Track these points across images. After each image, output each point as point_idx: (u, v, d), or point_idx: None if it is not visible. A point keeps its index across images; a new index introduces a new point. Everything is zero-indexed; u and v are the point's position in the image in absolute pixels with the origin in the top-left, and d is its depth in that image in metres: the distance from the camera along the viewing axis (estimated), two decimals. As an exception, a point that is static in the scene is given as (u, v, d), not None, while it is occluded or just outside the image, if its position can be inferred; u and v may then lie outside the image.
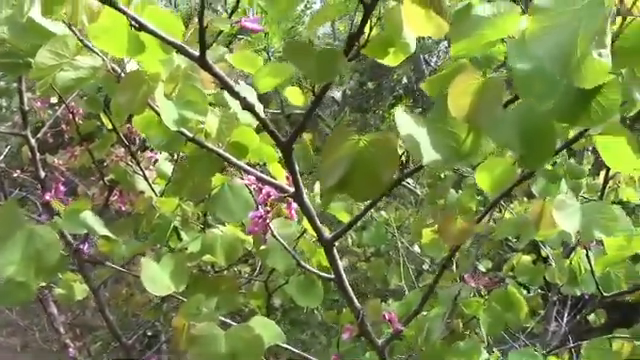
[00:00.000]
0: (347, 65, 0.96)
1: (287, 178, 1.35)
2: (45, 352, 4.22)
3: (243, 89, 1.17)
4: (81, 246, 1.80)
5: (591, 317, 2.85)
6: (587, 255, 1.77)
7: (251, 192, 1.39)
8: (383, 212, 3.05)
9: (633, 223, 1.53)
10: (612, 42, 0.85)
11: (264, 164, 1.48)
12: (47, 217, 2.23)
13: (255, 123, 1.31)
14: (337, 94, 6.44)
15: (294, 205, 1.30)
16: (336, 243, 1.28)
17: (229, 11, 1.16)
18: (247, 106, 1.06)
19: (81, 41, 1.29)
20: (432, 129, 0.89)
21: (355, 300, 1.33)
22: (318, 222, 1.19)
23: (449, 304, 1.85)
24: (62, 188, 2.24)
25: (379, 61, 1.10)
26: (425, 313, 1.93)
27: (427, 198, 2.43)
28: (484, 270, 2.89)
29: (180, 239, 1.95)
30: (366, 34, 1.01)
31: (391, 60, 1.09)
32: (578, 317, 3.23)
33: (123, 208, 2.25)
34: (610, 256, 1.67)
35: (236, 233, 1.77)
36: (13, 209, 1.45)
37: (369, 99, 5.05)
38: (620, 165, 1.25)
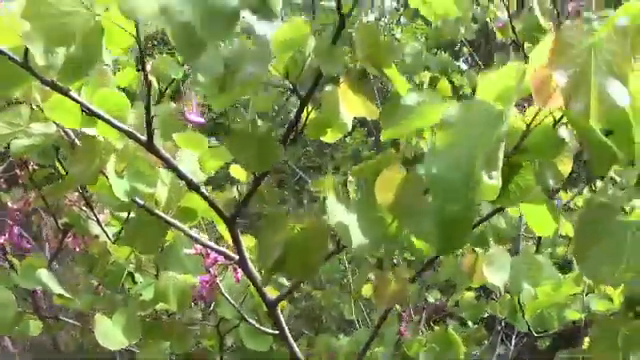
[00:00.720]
0: (284, 152, 1.04)
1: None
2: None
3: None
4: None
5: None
6: (518, 301, 1.88)
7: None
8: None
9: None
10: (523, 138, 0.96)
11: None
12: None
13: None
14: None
15: (239, 270, 1.37)
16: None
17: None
18: (192, 187, 1.14)
19: (38, 107, 1.36)
20: (361, 216, 0.98)
21: (300, 355, 1.40)
22: (261, 286, 1.27)
23: (392, 344, 1.95)
24: (16, 231, 2.27)
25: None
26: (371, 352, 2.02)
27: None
28: (433, 300, 2.99)
29: (135, 282, 2.01)
30: (303, 118, 1.10)
31: (329, 138, 1.18)
32: (524, 340, 3.36)
33: (77, 250, 2.28)
34: (540, 301, 1.78)
35: (188, 279, 1.84)
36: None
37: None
38: (542, 229, 1.36)
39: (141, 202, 1.30)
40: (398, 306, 2.44)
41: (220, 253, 1.32)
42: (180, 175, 1.14)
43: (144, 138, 1.09)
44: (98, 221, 2.10)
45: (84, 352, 3.27)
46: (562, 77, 0.79)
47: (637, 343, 1.25)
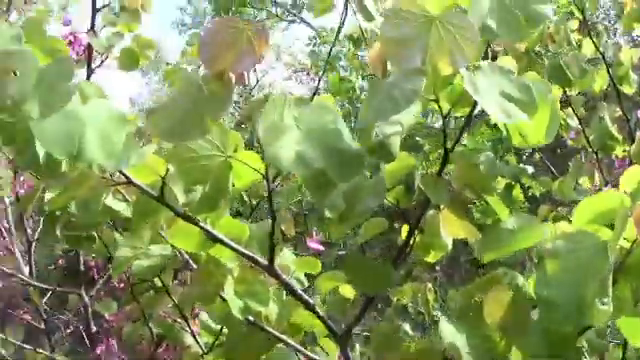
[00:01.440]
0: (397, 275, 1.13)
1: (339, 358, 1.49)
2: None
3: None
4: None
5: None
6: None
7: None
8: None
9: None
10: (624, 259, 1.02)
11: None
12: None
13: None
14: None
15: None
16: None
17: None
18: (309, 307, 1.23)
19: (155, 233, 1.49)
20: (470, 335, 1.04)
21: None
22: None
23: None
24: (113, 343, 2.39)
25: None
26: None
27: None
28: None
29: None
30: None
31: (431, 258, 1.26)
32: None
33: (168, 360, 2.38)
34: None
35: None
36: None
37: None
38: (637, 340, 1.38)
39: (251, 319, 1.39)
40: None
41: (329, 369, 1.39)
42: (297, 296, 1.24)
43: (265, 262, 1.19)
44: (192, 332, 2.20)
45: None
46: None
47: None
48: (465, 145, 4.44)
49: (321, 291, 1.33)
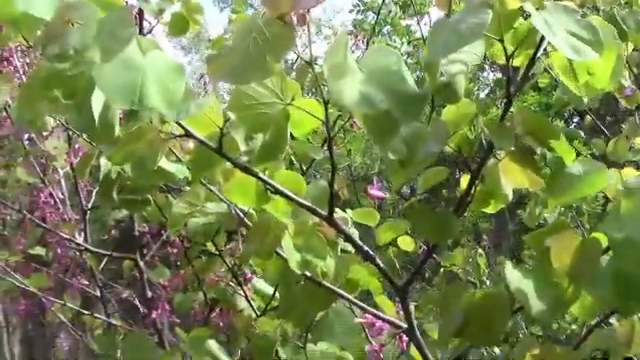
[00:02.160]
0: (458, 224, 1.11)
1: (397, 312, 1.49)
2: None
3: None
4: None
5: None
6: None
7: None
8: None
9: None
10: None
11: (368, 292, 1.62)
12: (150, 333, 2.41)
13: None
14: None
15: (405, 338, 1.42)
16: None
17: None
18: (368, 257, 1.22)
19: (211, 190, 1.49)
20: (537, 281, 1.02)
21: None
22: (427, 352, 1.32)
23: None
24: (167, 307, 2.42)
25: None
26: None
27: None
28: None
29: (279, 358, 2.08)
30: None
31: (491, 209, 1.24)
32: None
33: (221, 324, 2.40)
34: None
35: (336, 352, 1.90)
36: (141, 339, 1.62)
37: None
38: None
39: (309, 274, 1.39)
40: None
41: (389, 322, 1.38)
42: (357, 247, 1.23)
43: (325, 213, 1.18)
44: (246, 295, 2.22)
45: None
46: None
47: None
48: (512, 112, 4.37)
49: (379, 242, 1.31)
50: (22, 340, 7.55)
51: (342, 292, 1.39)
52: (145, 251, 2.67)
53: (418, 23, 3.14)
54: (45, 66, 1.01)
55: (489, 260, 3.81)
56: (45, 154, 2.70)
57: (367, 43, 2.74)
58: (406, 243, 1.40)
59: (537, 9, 0.97)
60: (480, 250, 2.76)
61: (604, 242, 1.03)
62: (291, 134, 1.15)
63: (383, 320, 1.39)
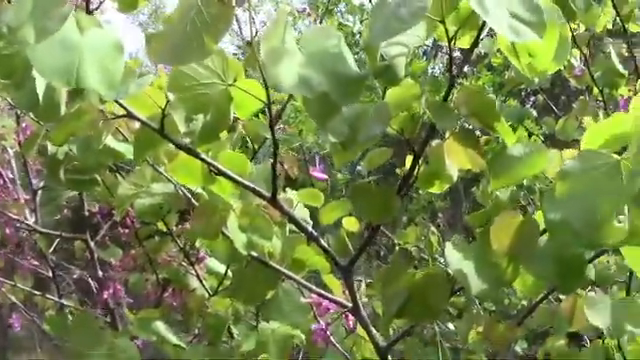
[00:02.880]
0: (400, 203, 1.12)
1: (343, 292, 1.49)
2: None
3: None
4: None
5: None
6: (619, 344, 1.87)
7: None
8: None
9: None
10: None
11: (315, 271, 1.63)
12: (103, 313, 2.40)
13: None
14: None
15: (351, 317, 1.44)
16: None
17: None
18: (312, 238, 1.22)
19: (157, 171, 1.48)
20: (478, 261, 1.04)
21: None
22: (374, 331, 1.33)
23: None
24: (119, 287, 2.40)
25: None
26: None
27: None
28: (520, 350, 2.97)
29: (232, 336, 2.09)
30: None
31: (436, 189, 1.25)
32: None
33: (174, 304, 2.39)
34: (642, 346, 1.77)
35: (287, 330, 1.91)
36: (90, 320, 1.60)
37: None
38: (645, 271, 1.38)
39: (255, 254, 1.39)
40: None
41: (335, 302, 1.39)
42: (301, 227, 1.23)
43: (268, 194, 1.18)
44: (198, 275, 2.21)
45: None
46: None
47: None
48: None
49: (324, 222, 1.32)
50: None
51: (288, 272, 1.39)
52: (97, 229, 2.63)
53: (370, 1, 3.12)
54: (-18, 44, 0.98)
55: (443, 238, 3.85)
56: (-7, 133, 2.64)
57: (321, 21, 2.73)
58: (351, 223, 1.41)
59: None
60: (433, 228, 2.78)
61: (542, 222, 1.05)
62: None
63: (329, 300, 1.40)
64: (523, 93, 6.60)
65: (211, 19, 0.88)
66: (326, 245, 1.23)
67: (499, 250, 1.02)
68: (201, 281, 2.23)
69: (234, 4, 0.89)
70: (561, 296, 2.70)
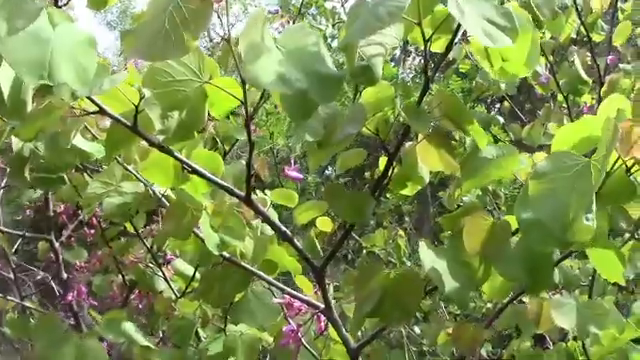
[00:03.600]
0: (374, 205, 1.12)
1: (315, 293, 1.49)
2: None
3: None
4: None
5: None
6: (583, 346, 1.91)
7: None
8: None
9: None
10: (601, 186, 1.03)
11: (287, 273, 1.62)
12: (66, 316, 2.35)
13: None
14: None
15: (323, 318, 1.44)
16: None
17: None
18: (286, 238, 1.22)
19: (127, 169, 1.46)
20: (450, 261, 1.05)
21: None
22: (345, 332, 1.33)
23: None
24: (84, 289, 2.36)
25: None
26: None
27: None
28: (485, 353, 3.00)
29: (199, 339, 2.07)
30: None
31: (408, 191, 1.26)
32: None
33: (140, 306, 2.36)
34: (606, 347, 1.81)
35: (255, 333, 1.90)
36: (55, 322, 1.57)
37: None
38: (609, 273, 1.41)
39: (227, 255, 1.38)
40: None
41: (306, 303, 1.39)
42: (275, 228, 1.22)
43: (242, 194, 1.17)
44: (165, 277, 2.19)
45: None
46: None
47: None
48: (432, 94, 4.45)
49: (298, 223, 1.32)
50: None
51: (260, 273, 1.39)
52: (62, 229, 2.58)
53: (342, 5, 3.15)
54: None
55: (410, 242, 3.88)
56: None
57: (293, 24, 2.73)
58: (325, 224, 1.41)
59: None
60: (401, 231, 2.81)
61: (514, 225, 1.07)
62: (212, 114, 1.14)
63: (301, 300, 1.40)
64: (489, 100, 6.68)
65: (190, 15, 0.87)
66: (299, 245, 1.23)
67: (471, 250, 1.04)
68: (168, 283, 2.21)
69: (213, 0, 0.88)
70: (525, 299, 2.75)
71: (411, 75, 6.22)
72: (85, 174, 1.98)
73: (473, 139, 1.16)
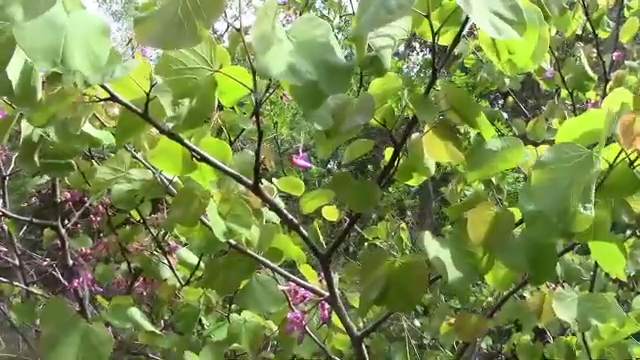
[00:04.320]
0: (381, 194, 1.14)
1: (320, 282, 1.51)
2: None
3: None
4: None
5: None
6: (583, 338, 1.93)
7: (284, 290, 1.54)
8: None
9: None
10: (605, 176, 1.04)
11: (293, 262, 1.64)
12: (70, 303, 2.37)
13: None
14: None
15: (327, 306, 1.46)
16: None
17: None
18: (292, 226, 1.24)
19: (135, 157, 1.47)
20: (454, 251, 1.06)
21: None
22: (349, 320, 1.35)
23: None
24: (90, 276, 2.38)
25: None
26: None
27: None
28: (485, 347, 3.03)
29: (202, 326, 2.09)
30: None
31: (414, 181, 1.27)
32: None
33: (145, 294, 2.38)
34: (606, 340, 1.83)
35: (259, 320, 1.92)
36: (63, 306, 1.58)
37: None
38: (611, 266, 1.42)
39: (233, 242, 1.40)
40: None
41: (311, 290, 1.41)
42: (282, 216, 1.24)
43: (250, 182, 1.19)
44: (170, 264, 2.21)
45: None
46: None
47: None
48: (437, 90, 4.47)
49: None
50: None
51: (266, 260, 1.41)
52: (69, 215, 2.60)
53: (350, -1, 3.15)
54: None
55: (412, 235, 3.90)
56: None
57: (301, 14, 2.74)
58: (330, 213, 1.43)
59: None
60: (403, 224, 2.82)
61: (518, 216, 1.08)
62: (220, 103, 1.15)
63: (306, 288, 1.42)
64: (492, 96, 6.69)
65: (202, 4, 0.89)
66: (306, 234, 1.25)
67: (475, 240, 1.05)
68: (173, 271, 2.23)
69: (225, -10, 0.90)
70: (526, 294, 2.76)
71: (415, 70, 6.22)
72: (93, 161, 2.00)
73: (478, 133, 1.17)
